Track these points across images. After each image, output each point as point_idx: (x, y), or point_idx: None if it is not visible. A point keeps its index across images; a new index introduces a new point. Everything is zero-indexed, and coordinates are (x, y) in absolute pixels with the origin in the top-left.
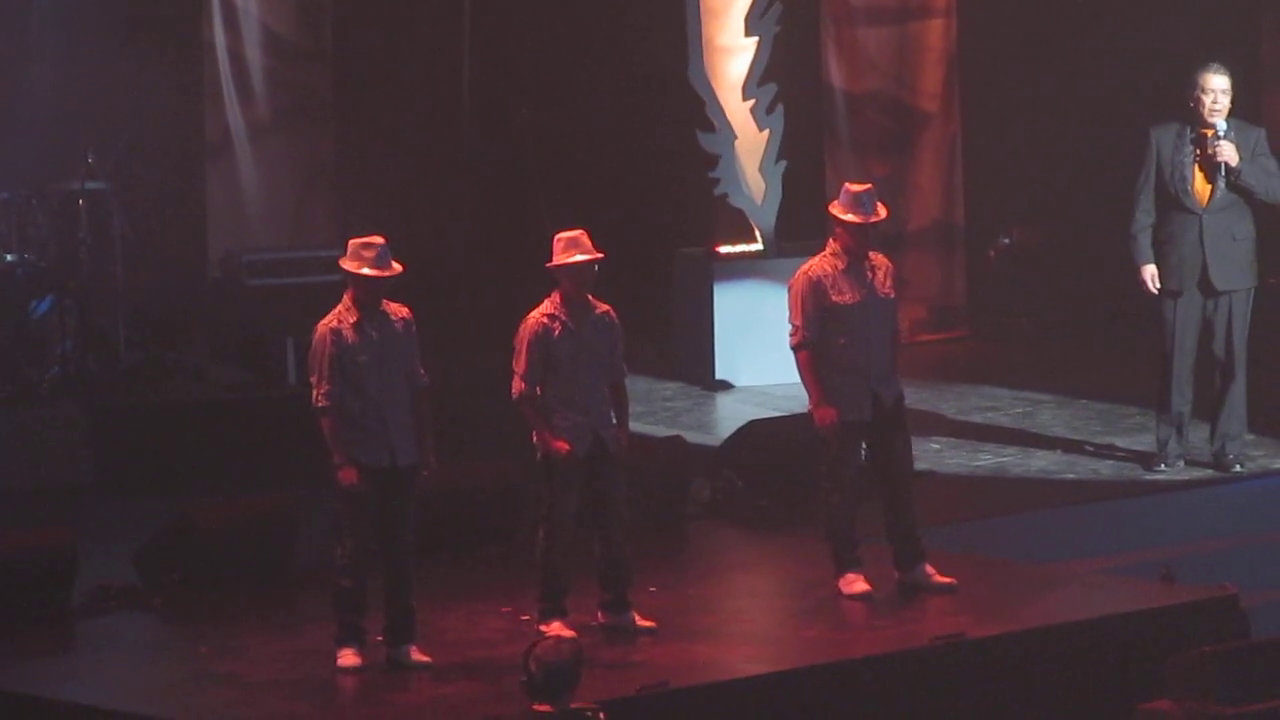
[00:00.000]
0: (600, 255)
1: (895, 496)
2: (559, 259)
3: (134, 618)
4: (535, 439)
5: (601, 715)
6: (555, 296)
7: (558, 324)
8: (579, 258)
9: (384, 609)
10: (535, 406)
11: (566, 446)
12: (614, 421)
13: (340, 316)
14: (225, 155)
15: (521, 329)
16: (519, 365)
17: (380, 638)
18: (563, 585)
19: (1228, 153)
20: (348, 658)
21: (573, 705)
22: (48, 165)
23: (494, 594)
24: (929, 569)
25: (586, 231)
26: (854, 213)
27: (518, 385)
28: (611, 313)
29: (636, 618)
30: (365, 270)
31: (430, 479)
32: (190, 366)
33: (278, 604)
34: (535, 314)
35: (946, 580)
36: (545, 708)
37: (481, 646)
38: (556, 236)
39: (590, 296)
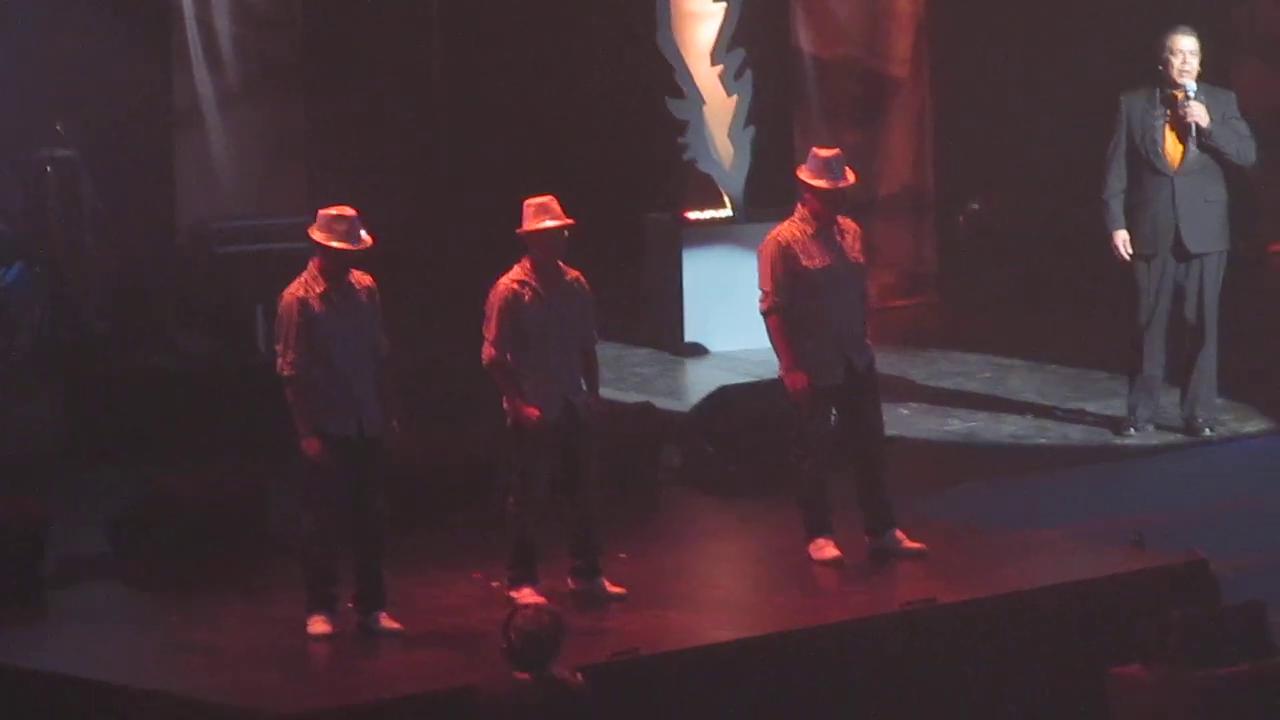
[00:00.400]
0: (570, 221)
1: (866, 462)
2: (528, 225)
3: (105, 587)
4: (506, 405)
5: (579, 677)
6: (525, 263)
7: (528, 290)
8: (548, 223)
9: (354, 576)
10: (505, 373)
11: (537, 413)
12: (584, 388)
13: (307, 285)
14: (194, 123)
15: (491, 295)
16: (489, 331)
17: (351, 605)
18: (533, 552)
19: (1197, 113)
20: (318, 625)
21: (552, 671)
22: (16, 133)
23: (464, 561)
24: (900, 535)
25: (556, 197)
26: (823, 178)
27: (488, 351)
28: (582, 279)
29: (607, 584)
30: (335, 243)
31: (400, 448)
32: (160, 335)
33: (249, 572)
34: (505, 280)
35: (917, 546)
36: (525, 675)
37: (452, 613)
38: (526, 202)
39: (561, 263)
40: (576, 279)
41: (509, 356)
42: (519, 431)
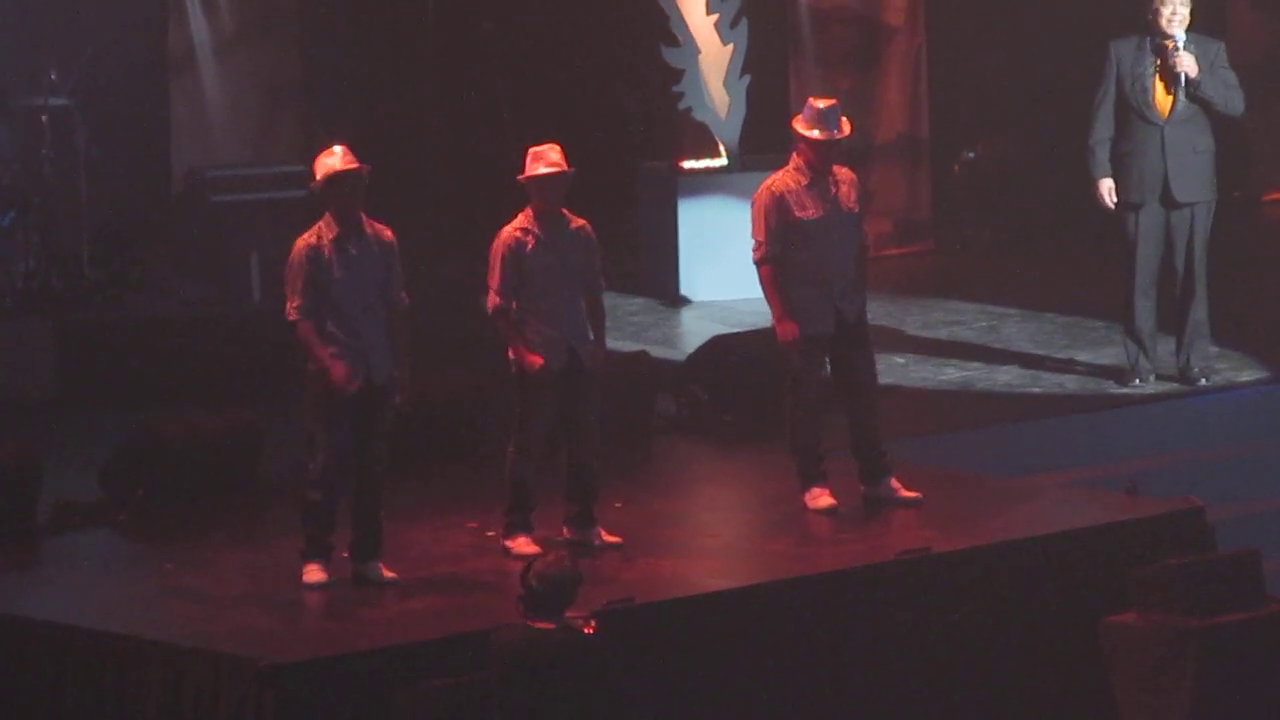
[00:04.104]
0: (569, 169)
1: (859, 412)
2: (528, 172)
3: (99, 533)
4: (510, 353)
5: (593, 624)
6: (528, 210)
7: (531, 238)
8: (544, 169)
9: (351, 524)
10: (509, 320)
11: (540, 360)
12: (590, 336)
13: (320, 233)
14: (189, 70)
15: (495, 243)
16: (492, 279)
17: (346, 554)
18: (529, 500)
19: (1187, 63)
20: (314, 573)
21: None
22: (10, 81)
23: (459, 509)
24: (895, 483)
25: (559, 144)
26: (817, 128)
27: (492, 299)
28: (588, 227)
29: (602, 533)
30: (338, 169)
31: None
32: (154, 282)
33: (243, 519)
34: (508, 228)
35: (912, 494)
36: (543, 624)
37: (447, 562)
38: (528, 150)
39: (566, 211)
40: (582, 226)
41: (513, 304)
42: (522, 379)
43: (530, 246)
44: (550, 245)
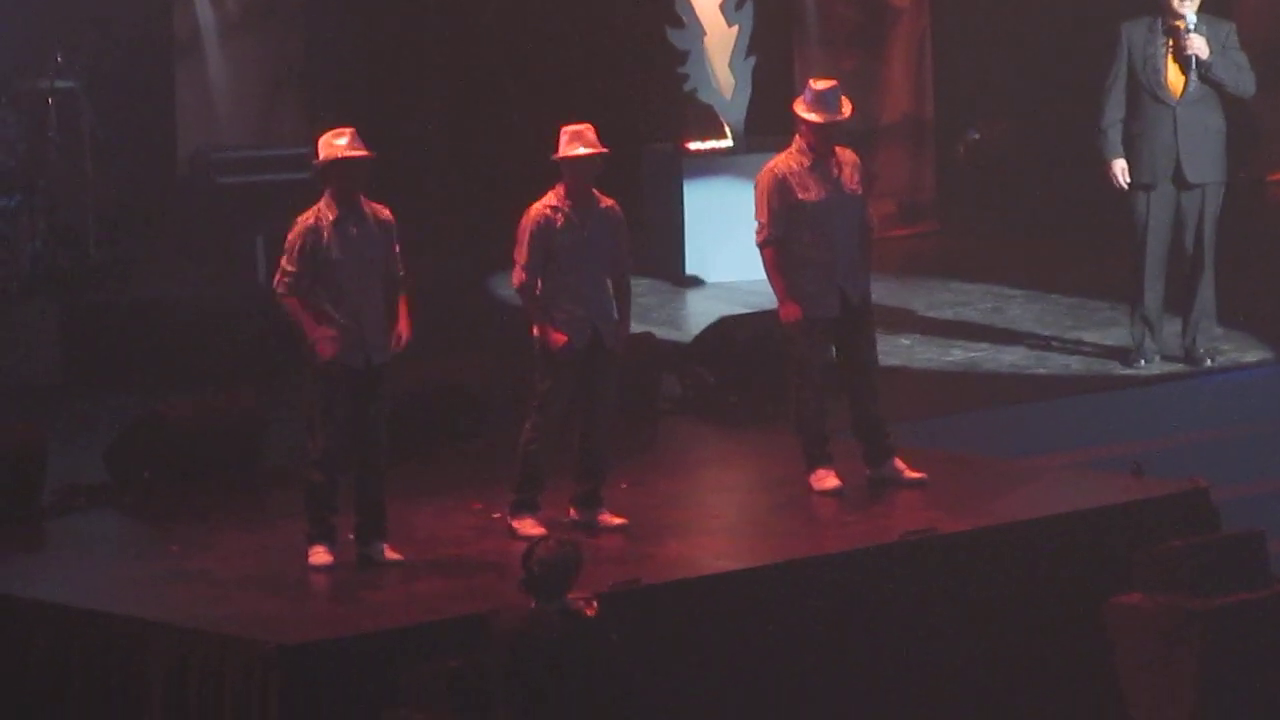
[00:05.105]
0: (603, 149)
1: (861, 394)
2: (562, 151)
3: (104, 515)
4: (533, 330)
5: (595, 606)
6: (559, 188)
7: (560, 216)
8: (581, 150)
9: (354, 506)
10: (533, 297)
11: (564, 338)
12: (614, 315)
13: (319, 213)
14: (194, 53)
15: (524, 220)
16: (520, 256)
17: (351, 536)
18: (539, 479)
19: (1198, 45)
20: (319, 555)
21: (568, 601)
22: (16, 64)
23: (464, 491)
24: (899, 464)
25: (593, 126)
26: (817, 111)
27: (518, 275)
28: (616, 207)
29: (608, 514)
30: (343, 153)
31: (402, 375)
32: (159, 265)
33: (248, 501)
34: (538, 205)
35: (917, 475)
36: (544, 606)
37: (452, 544)
38: (562, 129)
39: (595, 191)
40: (611, 207)
41: (539, 282)
42: (545, 357)
43: (559, 224)
44: (579, 224)
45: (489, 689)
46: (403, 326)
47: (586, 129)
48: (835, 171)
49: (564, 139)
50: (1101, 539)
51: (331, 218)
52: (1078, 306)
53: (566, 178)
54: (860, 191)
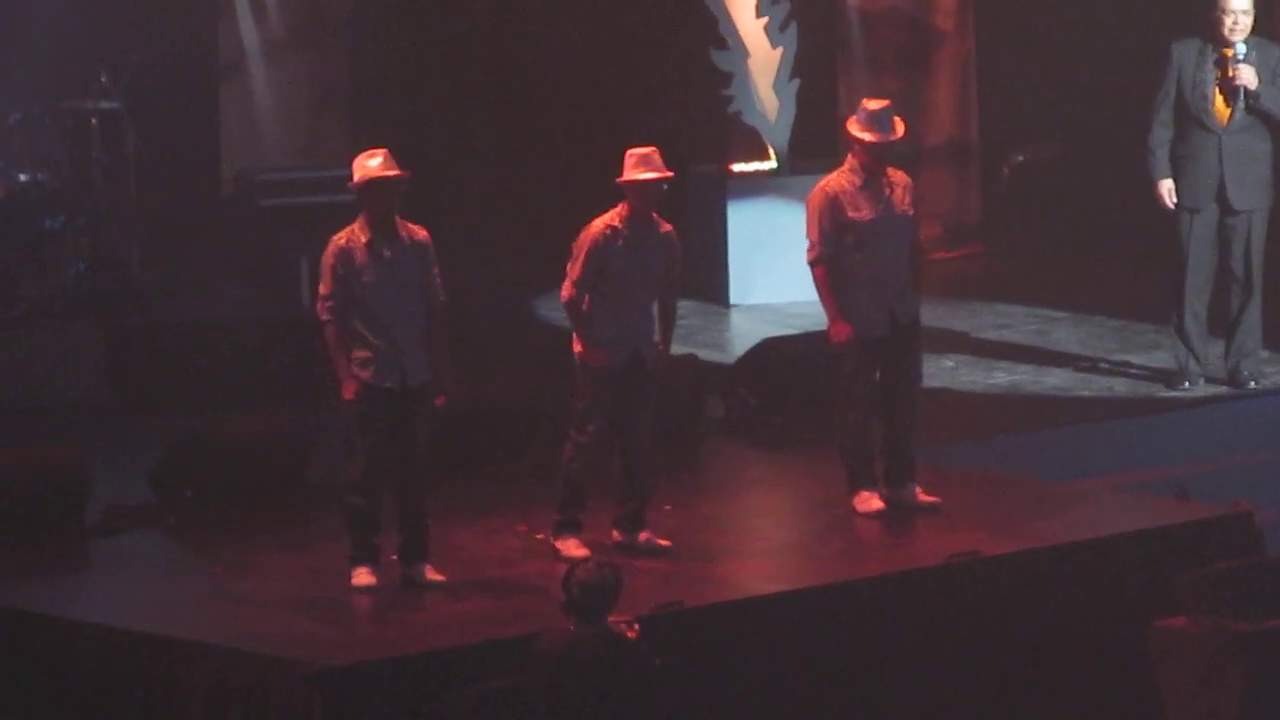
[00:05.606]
0: (669, 174)
1: (897, 415)
2: (628, 174)
3: (148, 536)
4: (575, 346)
5: (636, 629)
6: (622, 208)
7: (620, 238)
8: (648, 175)
9: (397, 528)
10: (579, 313)
11: (605, 359)
12: (655, 338)
13: (352, 235)
14: (239, 74)
15: (583, 235)
16: (573, 270)
17: (394, 556)
18: (581, 499)
19: (1246, 76)
20: (362, 577)
21: (609, 624)
22: (61, 85)
23: (508, 512)
24: (917, 489)
25: (659, 150)
26: (871, 131)
27: (567, 289)
28: (673, 233)
29: (652, 536)
30: (376, 174)
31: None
32: (203, 286)
33: (292, 522)
34: (599, 222)
35: (932, 499)
36: (583, 628)
37: (496, 565)
38: (628, 152)
39: (655, 214)
40: (669, 233)
41: (587, 298)
42: (585, 376)
43: (618, 245)
44: (636, 248)
45: (530, 712)
46: (446, 377)
47: (653, 152)
48: (887, 191)
49: (630, 161)
50: (1146, 562)
51: (364, 240)
52: (1122, 329)
53: (631, 200)
54: (911, 213)
